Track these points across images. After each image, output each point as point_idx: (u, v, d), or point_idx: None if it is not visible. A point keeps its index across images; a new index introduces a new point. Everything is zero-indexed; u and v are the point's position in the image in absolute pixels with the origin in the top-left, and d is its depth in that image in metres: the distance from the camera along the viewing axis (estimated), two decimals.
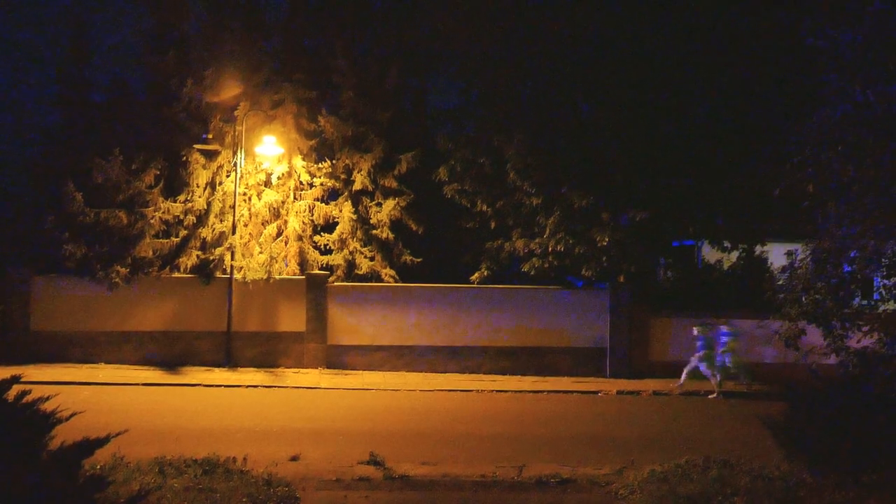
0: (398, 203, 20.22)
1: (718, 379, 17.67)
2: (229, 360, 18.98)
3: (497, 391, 17.30)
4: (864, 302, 10.97)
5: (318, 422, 13.77)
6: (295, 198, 20.46)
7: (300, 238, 20.25)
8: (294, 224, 20.18)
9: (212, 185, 19.90)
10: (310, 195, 20.44)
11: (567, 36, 19.12)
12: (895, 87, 9.63)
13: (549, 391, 17.45)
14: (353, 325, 19.34)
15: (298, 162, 20.36)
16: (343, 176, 20.50)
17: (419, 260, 20.32)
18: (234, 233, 19.24)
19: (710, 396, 17.48)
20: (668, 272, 22.14)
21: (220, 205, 19.72)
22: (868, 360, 10.04)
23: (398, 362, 19.21)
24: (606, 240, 18.77)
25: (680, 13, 18.95)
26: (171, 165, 19.63)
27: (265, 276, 18.89)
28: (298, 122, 20.44)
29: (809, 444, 9.23)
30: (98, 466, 8.55)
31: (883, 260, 10.20)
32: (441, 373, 19.04)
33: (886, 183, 9.72)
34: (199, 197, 19.64)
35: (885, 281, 10.47)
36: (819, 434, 9.13)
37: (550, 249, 19.10)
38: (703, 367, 17.68)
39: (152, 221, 19.04)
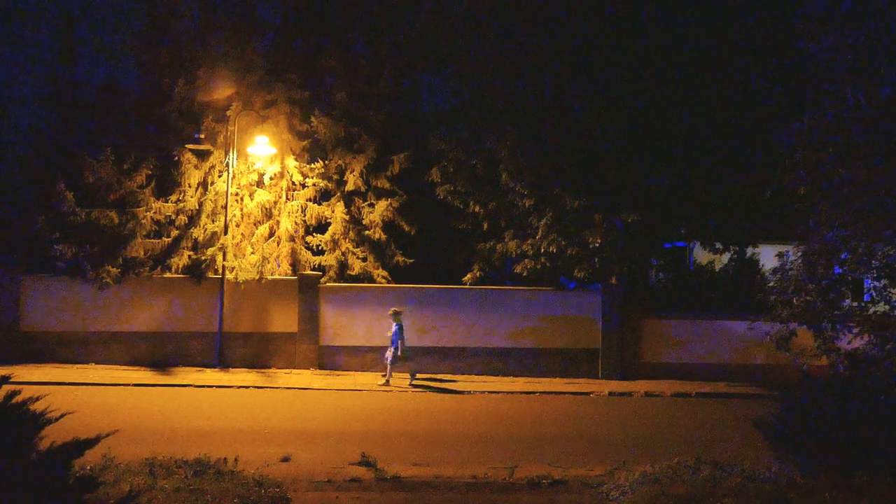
0: (391, 204, 20.21)
1: (393, 369, 17.53)
2: (221, 361, 18.92)
3: (489, 392, 17.30)
4: (855, 303, 11.03)
5: (310, 422, 13.74)
6: (287, 198, 20.43)
7: (292, 238, 20.22)
8: (286, 224, 20.15)
9: (203, 185, 19.86)
10: (302, 196, 20.41)
11: (560, 38, 19.16)
12: (886, 89, 9.68)
13: (541, 392, 17.46)
14: (345, 325, 19.30)
15: (291, 162, 20.33)
16: (335, 176, 20.47)
17: (411, 261, 20.31)
18: (225, 233, 19.19)
19: (380, 384, 17.35)
20: (659, 273, 22.20)
21: (212, 205, 19.67)
22: (858, 361, 10.10)
23: None
24: (599, 241, 18.81)
25: (672, 16, 19.01)
26: (163, 165, 19.57)
27: (257, 277, 18.87)
28: (291, 123, 20.41)
29: (800, 445, 9.26)
30: (88, 467, 8.52)
31: (873, 262, 10.26)
32: (433, 374, 19.02)
33: (878, 185, 9.77)
34: (191, 197, 19.58)
35: (876, 282, 10.53)
36: (810, 435, 9.16)
37: (543, 250, 19.12)
38: (390, 355, 17.49)
39: (143, 221, 18.98)
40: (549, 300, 19.59)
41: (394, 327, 17.50)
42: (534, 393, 17.40)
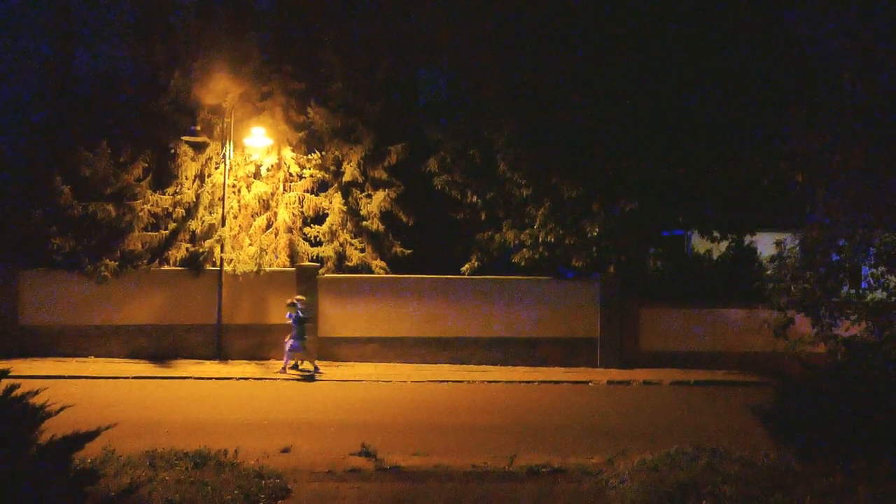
0: (388, 194, 20.17)
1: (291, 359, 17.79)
2: (220, 353, 18.94)
3: (488, 382, 17.33)
4: (852, 291, 11.04)
5: (310, 413, 13.77)
6: (284, 189, 20.40)
7: (290, 230, 20.19)
8: (284, 216, 20.13)
9: (200, 177, 19.82)
10: (299, 187, 20.38)
11: (557, 26, 19.10)
12: (884, 75, 9.67)
13: (539, 381, 17.49)
14: (344, 316, 19.31)
15: (288, 153, 20.29)
16: (333, 167, 20.44)
17: (410, 251, 20.28)
18: (223, 225, 19.18)
19: (280, 372, 17.61)
20: (657, 262, 22.20)
21: (210, 197, 19.65)
22: (856, 348, 10.12)
23: (389, 354, 19.20)
24: (597, 230, 18.80)
25: (670, 4, 18.95)
26: (160, 158, 19.54)
27: (255, 269, 18.87)
28: (287, 114, 20.35)
29: (798, 432, 9.30)
30: (88, 460, 8.55)
31: (871, 249, 10.27)
32: (432, 364, 19.05)
33: (876, 171, 9.77)
34: (188, 189, 19.55)
35: (873, 270, 10.54)
36: (808, 422, 9.19)
37: (541, 240, 19.11)
38: (294, 344, 17.62)
39: (141, 214, 18.96)
40: (547, 290, 19.60)
41: (291, 316, 17.68)
42: (532, 382, 17.43)
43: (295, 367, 17.94)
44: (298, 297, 18.04)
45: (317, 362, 18.05)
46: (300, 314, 17.67)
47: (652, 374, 18.36)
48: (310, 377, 17.39)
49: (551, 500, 9.03)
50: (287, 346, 17.77)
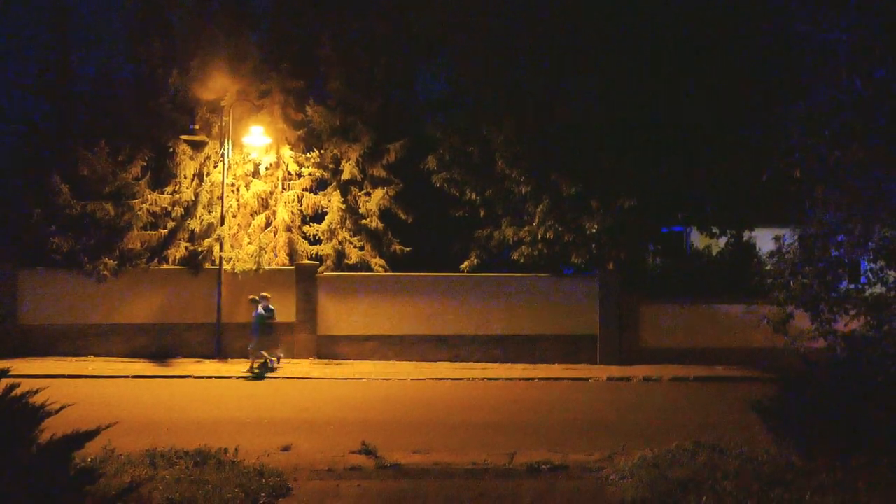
0: (387, 192, 20.16)
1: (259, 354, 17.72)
2: (219, 352, 18.94)
3: (488, 379, 17.34)
4: (851, 286, 11.03)
5: (310, 412, 13.78)
6: (283, 188, 20.39)
7: (289, 228, 20.19)
8: (283, 214, 20.12)
9: (199, 176, 19.82)
10: (298, 185, 20.37)
11: (555, 24, 19.08)
12: (880, 71, 9.67)
13: (539, 378, 17.49)
14: (343, 314, 19.32)
15: (286, 152, 20.28)
16: (331, 166, 20.42)
17: (409, 249, 20.28)
18: (222, 224, 19.17)
19: (245, 371, 17.55)
20: (656, 259, 22.20)
21: (208, 196, 19.64)
22: (855, 343, 10.11)
23: (389, 352, 19.21)
24: (596, 227, 18.79)
25: (668, 2, 18.95)
26: (158, 157, 19.54)
27: (254, 267, 18.87)
28: (286, 112, 20.33)
29: (798, 427, 9.31)
30: (89, 459, 8.55)
31: (870, 244, 10.25)
32: (432, 362, 19.06)
33: (874, 166, 9.77)
34: (187, 188, 19.55)
35: (872, 264, 10.53)
36: (808, 417, 9.20)
37: (540, 237, 19.11)
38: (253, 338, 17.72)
39: (140, 213, 18.96)
40: (546, 287, 19.60)
41: (254, 313, 17.76)
42: (532, 379, 17.43)
43: (275, 362, 17.85)
44: (263, 293, 18.02)
45: (312, 360, 18.03)
46: (260, 311, 17.67)
47: (652, 370, 18.36)
48: (259, 376, 17.33)
49: (551, 497, 9.04)
50: (249, 346, 17.88)
